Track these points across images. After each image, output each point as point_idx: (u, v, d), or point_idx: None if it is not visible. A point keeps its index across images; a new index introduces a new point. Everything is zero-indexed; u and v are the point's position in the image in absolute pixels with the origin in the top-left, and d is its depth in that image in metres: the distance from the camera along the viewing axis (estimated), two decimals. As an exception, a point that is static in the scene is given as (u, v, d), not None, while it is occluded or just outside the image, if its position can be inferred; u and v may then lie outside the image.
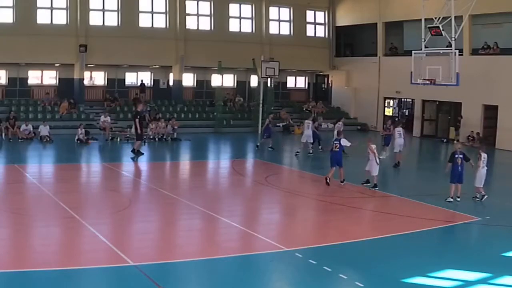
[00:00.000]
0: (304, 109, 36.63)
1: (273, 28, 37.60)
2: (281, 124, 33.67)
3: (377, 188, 17.24)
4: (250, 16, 36.85)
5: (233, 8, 36.20)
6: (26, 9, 30.12)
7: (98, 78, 34.62)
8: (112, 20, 32.54)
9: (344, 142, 18.07)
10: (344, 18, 38.80)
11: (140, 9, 33.35)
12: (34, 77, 32.87)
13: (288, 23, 38.30)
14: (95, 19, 32.10)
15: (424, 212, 14.74)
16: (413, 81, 26.54)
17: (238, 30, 36.43)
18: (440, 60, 25.19)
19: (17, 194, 15.51)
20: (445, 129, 32.76)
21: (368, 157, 17.40)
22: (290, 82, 40.60)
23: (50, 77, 33.23)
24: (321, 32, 39.70)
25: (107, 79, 34.40)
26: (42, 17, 30.82)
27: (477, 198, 16.03)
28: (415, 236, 12.62)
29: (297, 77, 40.94)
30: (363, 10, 37.22)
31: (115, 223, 13.10)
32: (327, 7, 39.33)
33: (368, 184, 17.48)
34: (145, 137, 24.46)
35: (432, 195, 16.57)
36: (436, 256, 11.29)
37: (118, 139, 27.48)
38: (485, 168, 16.12)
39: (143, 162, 22.17)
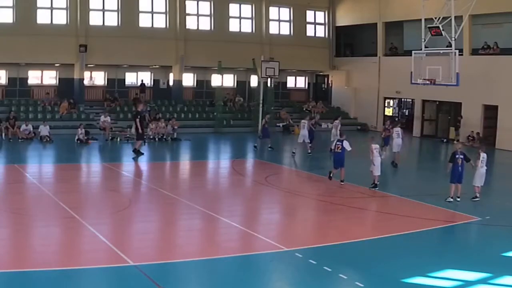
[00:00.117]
0: (304, 109, 36.61)
1: (273, 28, 37.60)
2: (281, 124, 33.69)
3: (377, 188, 17.24)
4: (250, 16, 36.85)
5: (233, 8, 36.20)
6: (26, 9, 30.11)
7: (98, 78, 34.61)
8: (112, 20, 32.54)
9: (346, 145, 18.01)
10: (344, 18, 38.80)
11: (140, 9, 33.35)
12: (34, 77, 32.86)
13: (288, 23, 38.30)
14: (95, 19, 32.09)
15: (424, 212, 14.74)
16: (413, 81, 26.54)
17: (238, 30, 36.43)
18: (440, 60, 25.19)
19: (17, 194, 15.52)
20: (445, 129, 32.75)
21: (371, 157, 17.40)
22: (290, 82, 40.60)
23: (50, 77, 33.22)
24: (321, 32, 39.70)
25: (107, 79, 34.39)
26: (42, 17, 30.81)
27: (476, 198, 16.02)
28: (415, 236, 12.62)
29: (297, 77, 40.93)
30: (363, 10, 37.22)
31: (115, 223, 13.10)
32: (327, 7, 39.33)
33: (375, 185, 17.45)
34: (145, 137, 24.43)
35: (432, 195, 16.57)
36: (436, 256, 11.29)
37: (118, 139, 27.48)
38: (485, 168, 16.12)
39: (143, 162, 22.18)
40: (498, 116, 29.13)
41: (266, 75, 32.94)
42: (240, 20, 36.59)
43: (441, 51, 25.51)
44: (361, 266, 10.48)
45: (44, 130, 26.46)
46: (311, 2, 37.88)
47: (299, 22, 38.41)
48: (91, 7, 31.80)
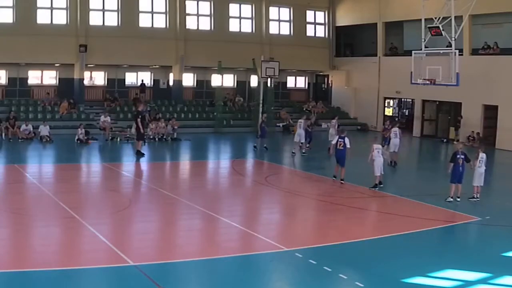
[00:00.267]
0: (304, 109, 36.61)
1: (273, 28, 37.60)
2: (281, 124, 33.70)
3: (377, 188, 17.24)
4: (250, 16, 36.85)
5: (233, 8, 36.21)
6: (26, 9, 30.12)
7: (98, 78, 34.62)
8: (112, 20, 32.54)
9: (347, 141, 18.13)
10: (344, 18, 38.81)
11: (140, 9, 33.36)
12: (34, 77, 32.87)
13: (288, 23, 38.31)
14: (95, 19, 32.10)
15: (424, 212, 14.74)
16: (413, 81, 26.54)
17: (238, 30, 36.44)
18: (440, 60, 25.19)
19: (17, 194, 15.52)
20: (445, 129, 32.76)
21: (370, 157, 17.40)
22: (290, 82, 40.61)
23: (50, 77, 33.23)
24: (321, 32, 39.70)
25: (107, 79, 34.40)
26: (42, 17, 30.82)
27: (474, 198, 16.02)
28: (415, 236, 12.62)
29: (297, 77, 40.95)
30: (363, 10, 37.22)
31: (115, 223, 13.10)
32: (327, 7, 39.34)
33: (381, 186, 17.43)
34: (145, 137, 24.45)
35: (432, 195, 16.57)
36: (436, 256, 11.29)
37: (118, 139, 27.48)
38: (483, 167, 16.13)
39: (143, 162, 22.19)
40: (498, 116, 29.13)
41: (266, 75, 32.94)
42: (240, 20, 36.60)
43: (441, 51, 25.51)
44: (361, 266, 10.48)
45: (44, 130, 26.46)
46: (311, 2, 37.88)
47: (299, 22, 38.42)
48: (91, 7, 31.81)
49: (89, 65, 32.19)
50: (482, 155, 16.17)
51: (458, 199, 15.82)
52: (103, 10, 32.38)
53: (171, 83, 35.46)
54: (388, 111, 38.23)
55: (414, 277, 9.84)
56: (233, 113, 34.91)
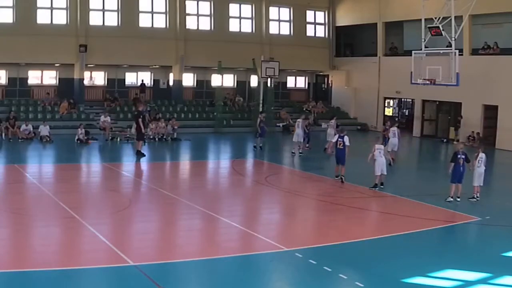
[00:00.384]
0: (304, 109, 36.61)
1: (273, 28, 37.59)
2: (281, 124, 33.70)
3: (377, 188, 17.25)
4: (250, 16, 36.85)
5: (233, 8, 36.20)
6: (26, 9, 30.11)
7: (98, 78, 34.61)
8: (112, 20, 32.54)
9: (346, 140, 18.18)
10: (344, 18, 38.80)
11: (140, 9, 33.35)
12: (34, 77, 32.87)
13: (288, 23, 38.30)
14: (95, 19, 32.09)
15: (424, 212, 14.74)
16: (413, 81, 26.55)
17: (238, 30, 36.43)
18: (440, 60, 25.20)
19: (17, 194, 15.52)
20: (445, 129, 32.76)
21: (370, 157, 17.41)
22: (290, 82, 40.59)
23: (50, 77, 33.22)
24: (321, 32, 39.69)
25: (107, 79, 34.39)
26: (42, 17, 30.81)
27: (473, 198, 16.02)
28: (415, 236, 12.62)
29: (297, 77, 40.93)
30: (363, 10, 37.22)
31: (115, 223, 13.10)
32: (327, 7, 39.33)
33: (382, 187, 17.44)
34: (145, 137, 24.45)
35: (432, 195, 16.57)
36: (436, 256, 11.29)
37: (118, 139, 27.48)
38: (483, 167, 16.13)
39: (143, 162, 22.19)
40: (498, 116, 29.13)
41: (266, 75, 32.97)
42: (240, 20, 36.59)
43: (441, 51, 25.52)
44: (361, 266, 10.48)
45: (44, 130, 26.46)
46: (311, 2, 37.87)
47: (299, 22, 38.41)
48: (91, 7, 31.80)
49: (89, 65, 32.18)
50: (482, 155, 16.17)
51: (458, 199, 15.82)
52: (103, 10, 32.38)
53: (171, 83, 35.46)
54: (388, 111, 38.23)
55: (414, 277, 9.84)
56: (233, 113, 34.90)
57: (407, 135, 33.40)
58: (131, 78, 35.36)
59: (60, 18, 31.34)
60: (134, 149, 23.53)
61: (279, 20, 37.95)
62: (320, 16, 39.53)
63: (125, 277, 9.61)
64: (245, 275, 10.01)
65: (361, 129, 35.87)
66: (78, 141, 26.06)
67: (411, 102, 36.13)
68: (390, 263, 10.73)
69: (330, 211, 15.13)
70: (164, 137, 28.29)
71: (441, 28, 24.70)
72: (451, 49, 24.53)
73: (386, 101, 37.52)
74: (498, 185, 19.78)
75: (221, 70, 33.87)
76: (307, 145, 25.09)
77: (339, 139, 18.39)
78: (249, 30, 36.84)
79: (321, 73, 40.80)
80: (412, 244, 12.13)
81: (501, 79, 28.50)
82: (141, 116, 23.24)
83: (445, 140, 31.67)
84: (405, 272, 10.12)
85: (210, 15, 35.35)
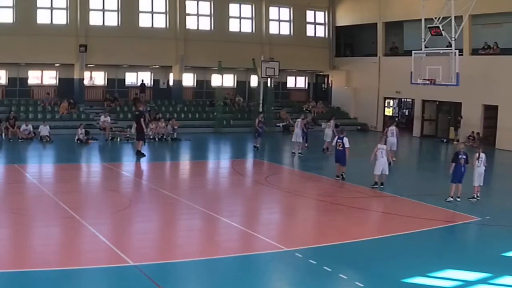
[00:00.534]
0: (304, 109, 36.61)
1: (273, 28, 37.59)
2: (281, 124, 33.69)
3: (376, 186, 17.26)
4: (250, 16, 36.84)
5: (233, 8, 36.19)
6: (26, 9, 30.11)
7: (98, 78, 34.61)
8: (112, 20, 32.54)
9: (346, 141, 18.18)
10: (344, 18, 38.80)
11: (140, 9, 33.35)
12: (34, 77, 32.87)
13: (288, 23, 38.30)
14: (95, 19, 32.09)
15: (424, 212, 14.74)
16: (413, 81, 26.54)
17: (238, 30, 36.42)
18: (440, 60, 25.19)
19: (17, 194, 15.52)
20: (445, 129, 32.76)
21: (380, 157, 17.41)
22: (290, 82, 40.59)
23: (50, 77, 33.22)
24: (321, 32, 39.69)
25: (107, 79, 34.39)
26: (42, 17, 30.81)
27: (474, 198, 16.02)
28: (415, 236, 12.62)
29: (297, 77, 40.93)
30: (363, 10, 37.22)
31: (115, 223, 13.10)
32: (327, 7, 39.33)
33: (382, 187, 17.41)
34: (145, 137, 24.45)
35: (432, 195, 16.57)
36: (436, 256, 11.29)
37: (118, 139, 27.49)
38: (483, 167, 16.13)
39: (143, 162, 22.19)
40: (498, 116, 29.12)
41: (266, 75, 32.97)
42: (240, 20, 36.59)
43: (441, 51, 25.51)
44: (361, 266, 10.48)
45: (44, 130, 26.46)
46: (311, 2, 37.87)
47: (299, 22, 38.41)
48: (91, 7, 31.80)
49: (89, 65, 32.18)
50: (482, 155, 16.18)
51: (458, 199, 15.82)
52: (103, 10, 32.38)
53: (171, 83, 35.46)
54: (388, 111, 38.24)
55: (414, 277, 9.84)
56: (233, 113, 34.90)
57: (407, 135, 33.41)
58: (131, 78, 35.36)
59: (60, 18, 31.33)
60: (134, 149, 23.54)
61: (279, 20, 37.95)
62: (320, 16, 39.53)
63: (125, 277, 9.60)
64: (245, 275, 10.01)
65: (361, 129, 35.86)
66: (78, 141, 26.06)
67: (411, 102, 36.13)
68: (390, 263, 10.72)
69: (330, 211, 15.13)
70: (164, 137, 28.29)
71: (441, 28, 24.69)
72: (451, 49, 24.53)
73: (386, 101, 37.53)
74: (498, 185, 19.78)
75: (221, 70, 33.87)
76: (305, 144, 25.07)
77: (338, 140, 18.39)
78: (249, 30, 36.84)
79: (321, 73, 40.80)
80: (412, 244, 12.13)
81: (501, 79, 28.50)
82: (143, 116, 23.32)
83: (445, 140, 31.67)
84: (405, 272, 10.12)
85: (210, 15, 35.35)
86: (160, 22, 33.92)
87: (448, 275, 10.05)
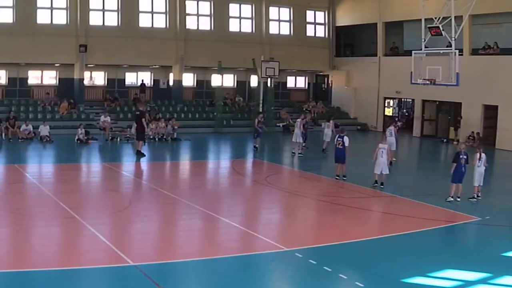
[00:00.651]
0: (304, 109, 36.60)
1: (273, 28, 37.59)
2: (281, 124, 33.69)
3: (376, 185, 17.27)
4: (250, 16, 36.84)
5: (233, 8, 36.19)
6: (26, 9, 30.10)
7: (98, 78, 34.61)
8: (112, 20, 32.53)
9: (346, 140, 18.23)
10: (344, 18, 38.80)
11: (140, 9, 33.34)
12: (34, 77, 32.86)
13: (288, 23, 38.29)
14: (95, 19, 32.09)
15: (424, 212, 14.74)
16: (413, 81, 26.54)
17: (238, 30, 36.42)
18: (440, 60, 25.19)
19: (17, 194, 15.52)
20: (445, 129, 32.76)
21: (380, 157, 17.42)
22: (290, 82, 40.59)
23: (50, 77, 33.22)
24: (321, 32, 39.69)
25: (107, 79, 34.39)
26: (42, 17, 30.80)
27: (474, 198, 16.03)
28: (415, 236, 12.62)
29: (297, 77, 40.93)
30: (363, 10, 37.22)
31: (115, 223, 13.10)
32: (327, 7, 39.33)
33: (382, 187, 17.42)
34: (145, 137, 24.45)
35: (432, 195, 16.57)
36: (436, 256, 11.29)
37: (118, 139, 27.49)
38: (483, 167, 16.13)
39: (143, 162, 22.19)
40: (498, 116, 29.13)
41: (266, 75, 32.97)
42: (240, 20, 36.59)
43: (441, 51, 25.51)
44: (361, 266, 10.48)
45: (44, 130, 26.45)
46: (311, 2, 37.87)
47: (299, 22, 38.41)
48: (91, 7, 31.79)
49: (89, 65, 32.18)
50: (483, 155, 16.18)
51: (458, 199, 15.82)
52: (103, 10, 32.37)
53: (171, 83, 35.45)
54: (388, 111, 38.22)
55: (414, 277, 9.84)
56: (233, 113, 34.90)
57: (407, 135, 33.41)
58: (131, 78, 35.36)
59: (60, 18, 31.32)
60: (134, 149, 23.54)
61: (279, 20, 37.94)
62: (320, 16, 39.53)
63: (125, 277, 9.61)
64: (245, 275, 10.01)
65: (361, 129, 35.87)
66: (78, 141, 26.06)
67: (411, 102, 36.13)
68: (390, 263, 10.72)
69: (330, 211, 15.13)
70: (164, 137, 28.29)
71: (441, 28, 24.69)
72: (451, 49, 24.52)
73: (386, 101, 37.51)
74: (498, 185, 19.78)
75: (221, 70, 33.86)
76: (303, 144, 25.05)
77: (339, 139, 18.46)
78: (249, 30, 36.83)
79: (321, 73, 40.80)
80: (412, 244, 12.13)
81: (501, 79, 28.50)
82: (144, 116, 23.37)
83: (445, 140, 31.68)
84: (405, 272, 10.12)
85: (210, 15, 35.34)
86: (160, 22, 33.92)
87: (448, 275, 10.05)
